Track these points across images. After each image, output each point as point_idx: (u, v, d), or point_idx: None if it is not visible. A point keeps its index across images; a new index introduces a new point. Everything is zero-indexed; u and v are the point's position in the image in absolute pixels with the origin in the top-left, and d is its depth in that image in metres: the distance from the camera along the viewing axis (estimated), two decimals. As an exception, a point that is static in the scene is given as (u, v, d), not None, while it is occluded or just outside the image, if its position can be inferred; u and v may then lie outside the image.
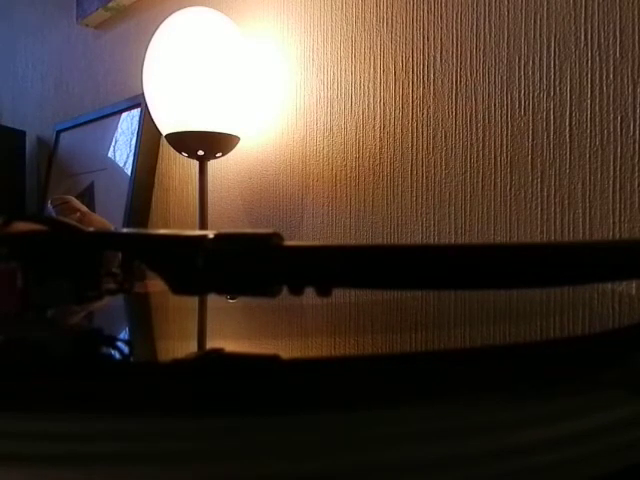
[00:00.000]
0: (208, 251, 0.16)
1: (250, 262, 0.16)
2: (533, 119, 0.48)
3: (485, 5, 0.52)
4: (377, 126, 0.60)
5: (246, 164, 0.76)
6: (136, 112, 0.90)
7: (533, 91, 0.48)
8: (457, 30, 0.54)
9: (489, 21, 0.51)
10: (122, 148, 0.92)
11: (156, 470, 0.12)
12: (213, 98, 0.63)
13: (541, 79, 0.48)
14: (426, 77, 0.56)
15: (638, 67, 0.43)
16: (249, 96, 0.67)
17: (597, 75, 0.45)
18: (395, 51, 0.59)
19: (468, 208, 0.52)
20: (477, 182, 0.52)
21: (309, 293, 0.16)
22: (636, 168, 0.43)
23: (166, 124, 0.66)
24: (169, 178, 0.89)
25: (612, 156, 0.44)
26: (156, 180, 0.90)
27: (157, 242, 0.17)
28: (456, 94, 0.54)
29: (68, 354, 0.16)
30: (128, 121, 0.92)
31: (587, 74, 0.45)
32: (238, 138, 0.67)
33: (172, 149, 0.68)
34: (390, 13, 0.59)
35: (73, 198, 0.57)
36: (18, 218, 0.19)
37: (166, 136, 0.66)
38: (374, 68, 0.61)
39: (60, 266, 0.18)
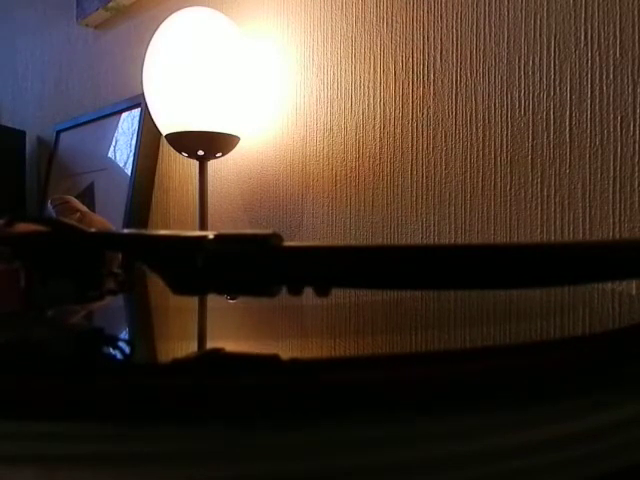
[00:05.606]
0: (208, 251, 0.16)
1: (249, 262, 0.16)
2: (533, 119, 0.48)
3: (485, 5, 0.52)
4: (377, 126, 0.60)
5: (246, 164, 0.76)
6: (136, 112, 0.90)
7: (533, 91, 0.48)
8: (457, 30, 0.54)
9: (489, 21, 0.51)
10: (122, 148, 0.92)
11: (156, 471, 0.13)
12: (213, 98, 0.63)
13: (541, 79, 0.48)
14: (426, 77, 0.56)
15: (638, 67, 0.43)
16: (249, 96, 0.67)
17: (597, 75, 0.45)
18: (395, 51, 0.59)
19: (468, 208, 0.52)
20: (477, 182, 0.52)
21: (309, 293, 0.16)
22: (636, 168, 0.43)
23: (166, 124, 0.66)
24: (169, 178, 0.89)
25: (612, 156, 0.44)
26: (156, 180, 0.90)
27: (157, 242, 0.17)
28: (456, 94, 0.54)
29: (68, 354, 0.16)
30: (128, 121, 0.92)
31: (587, 74, 0.45)
32: (238, 138, 0.67)
33: (172, 149, 0.68)
34: (390, 13, 0.59)
35: (73, 198, 0.57)
36: (20, 219, 0.19)
37: (166, 136, 0.66)
38: (374, 68, 0.61)
39: (62, 266, 0.18)
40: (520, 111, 0.49)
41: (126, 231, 0.18)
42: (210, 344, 0.20)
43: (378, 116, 0.60)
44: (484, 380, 0.14)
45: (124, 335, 0.21)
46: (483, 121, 0.51)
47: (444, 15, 0.55)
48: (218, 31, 0.64)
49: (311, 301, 0.25)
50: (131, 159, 0.89)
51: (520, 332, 0.20)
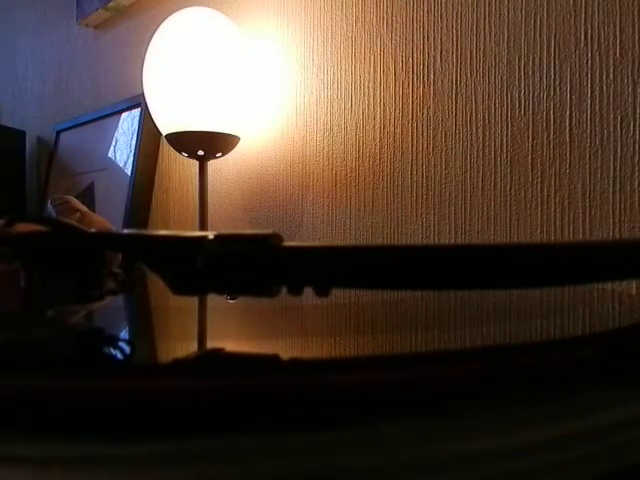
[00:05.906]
0: (208, 251, 0.16)
1: (249, 262, 0.16)
2: (533, 119, 0.48)
3: (485, 5, 0.52)
4: (377, 126, 0.60)
5: (246, 164, 0.76)
6: (136, 112, 0.90)
7: (533, 91, 0.48)
8: (457, 30, 0.54)
9: (489, 21, 0.51)
10: (122, 148, 0.92)
11: (156, 471, 0.13)
12: (213, 98, 0.63)
13: (541, 79, 0.48)
14: (426, 77, 0.56)
15: (638, 67, 0.43)
16: (249, 96, 0.67)
17: (597, 75, 0.45)
18: (395, 51, 0.59)
19: (468, 208, 0.52)
20: (477, 182, 0.52)
21: (309, 293, 0.16)
22: (636, 168, 0.43)
23: (166, 124, 0.66)
24: (169, 178, 0.89)
25: (612, 156, 0.44)
26: (156, 180, 0.90)
27: (157, 242, 0.17)
28: (456, 94, 0.54)
29: (68, 354, 0.16)
30: (128, 121, 0.92)
31: (587, 74, 0.45)
32: (238, 138, 0.67)
33: (172, 149, 0.68)
34: (390, 13, 0.59)
35: (73, 198, 0.57)
36: (20, 219, 0.19)
37: (166, 136, 0.66)
38: (374, 68, 0.61)
39: (62, 266, 0.18)
40: (520, 111, 0.49)
41: (126, 231, 0.18)
42: (210, 344, 0.20)
43: (378, 116, 0.60)
44: (484, 380, 0.14)
45: (124, 335, 0.21)
46: (483, 121, 0.51)
47: (444, 15, 0.55)
48: (218, 31, 0.64)
49: (311, 301, 0.25)
50: (131, 159, 0.89)
51: (520, 332, 0.20)
